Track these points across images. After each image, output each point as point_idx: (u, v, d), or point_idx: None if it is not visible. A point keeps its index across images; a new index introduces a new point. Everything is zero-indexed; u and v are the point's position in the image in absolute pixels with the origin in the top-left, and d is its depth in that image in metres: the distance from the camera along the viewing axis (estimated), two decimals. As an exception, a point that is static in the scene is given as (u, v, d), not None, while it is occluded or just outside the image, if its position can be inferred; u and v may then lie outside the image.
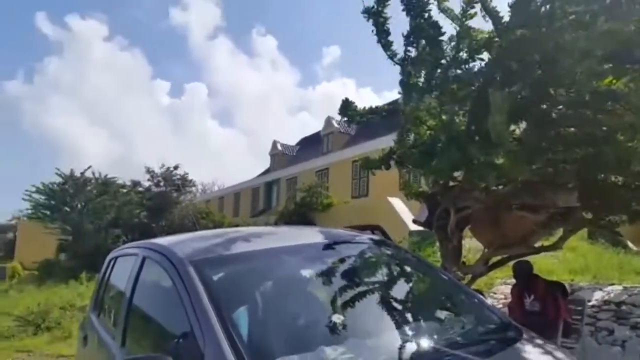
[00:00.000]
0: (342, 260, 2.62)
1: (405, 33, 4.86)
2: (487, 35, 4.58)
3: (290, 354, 1.83)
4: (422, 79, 4.98)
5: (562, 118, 4.35)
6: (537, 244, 5.57)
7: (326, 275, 2.44)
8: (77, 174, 24.00)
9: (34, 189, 23.44)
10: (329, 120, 28.82)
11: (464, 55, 4.77)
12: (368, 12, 4.91)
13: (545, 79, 3.88)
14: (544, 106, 4.36)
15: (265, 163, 36.16)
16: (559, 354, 2.10)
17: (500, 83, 4.20)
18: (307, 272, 2.44)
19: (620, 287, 6.38)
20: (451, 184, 5.40)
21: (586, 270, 8.14)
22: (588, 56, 3.38)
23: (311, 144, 31.79)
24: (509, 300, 5.85)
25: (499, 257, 5.77)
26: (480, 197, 5.19)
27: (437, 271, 2.91)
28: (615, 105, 3.85)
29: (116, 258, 3.49)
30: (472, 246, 8.29)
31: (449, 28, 4.92)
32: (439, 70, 4.87)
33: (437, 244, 8.53)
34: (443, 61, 4.79)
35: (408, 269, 2.86)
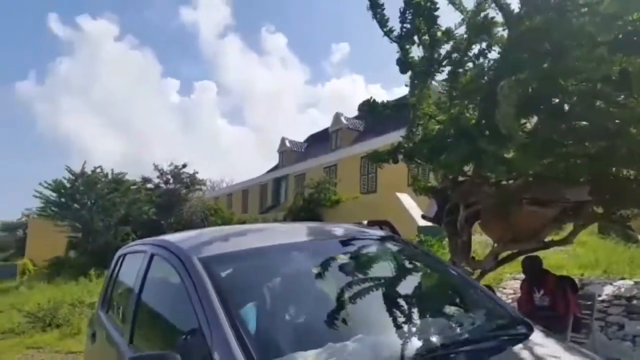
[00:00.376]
0: (350, 256, 2.60)
1: (401, 8, 4.82)
2: (500, 28, 4.53)
3: (298, 350, 1.81)
4: (420, 56, 4.93)
5: (573, 111, 4.29)
6: (547, 239, 5.52)
7: (334, 271, 2.42)
8: (88, 171, 24.13)
9: (44, 186, 23.62)
10: (337, 117, 28.78)
11: (476, 50, 4.72)
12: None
13: (554, 69, 3.83)
14: (556, 100, 4.31)
15: (274, 160, 36.22)
16: (570, 349, 2.07)
17: (510, 75, 4.15)
18: (315, 268, 2.42)
19: (631, 282, 6.31)
20: (460, 178, 5.35)
21: (596, 265, 8.07)
22: (596, 43, 3.32)
23: (320, 141, 31.78)
24: (518, 295, 5.81)
25: (508, 252, 5.73)
26: (490, 191, 5.15)
27: (446, 266, 2.88)
28: (629, 98, 3.79)
29: (125, 255, 3.50)
30: (481, 241, 8.25)
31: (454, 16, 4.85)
32: (440, 51, 4.82)
33: (446, 239, 8.51)
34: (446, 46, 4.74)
35: (417, 264, 2.83)
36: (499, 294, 6.46)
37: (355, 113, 30.12)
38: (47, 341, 8.24)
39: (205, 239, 2.76)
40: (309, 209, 19.42)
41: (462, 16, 4.76)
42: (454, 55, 4.79)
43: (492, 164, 4.25)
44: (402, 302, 2.31)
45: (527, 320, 2.23)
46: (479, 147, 4.24)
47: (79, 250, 24.25)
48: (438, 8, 4.69)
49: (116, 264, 3.59)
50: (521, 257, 5.69)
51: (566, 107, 4.32)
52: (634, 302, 5.58)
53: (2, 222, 44.18)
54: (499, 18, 4.42)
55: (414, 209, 14.58)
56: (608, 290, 6.11)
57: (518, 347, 1.95)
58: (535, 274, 5.18)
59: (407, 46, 4.89)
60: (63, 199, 23.66)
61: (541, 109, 4.32)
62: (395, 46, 4.98)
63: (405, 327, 2.08)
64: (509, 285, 8.24)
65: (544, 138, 4.31)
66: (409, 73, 4.98)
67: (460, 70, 4.83)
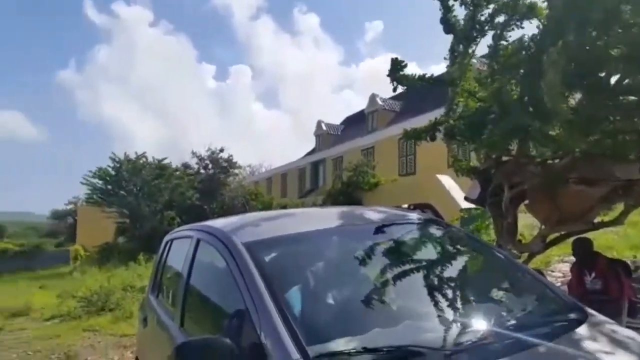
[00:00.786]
0: (394, 241, 2.58)
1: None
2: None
3: (345, 335, 1.82)
4: (465, 21, 4.78)
5: (619, 85, 4.09)
6: (597, 220, 5.31)
7: (377, 256, 2.41)
8: (132, 157, 24.80)
9: (91, 174, 24.47)
10: (373, 98, 28.46)
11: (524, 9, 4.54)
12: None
13: (602, 37, 3.64)
14: (602, 74, 4.11)
15: (311, 143, 36.28)
16: (629, 336, 1.99)
17: (554, 43, 3.96)
18: (358, 253, 2.41)
19: (687, 264, 6.03)
20: (504, 158, 5.20)
21: (649, 246, 7.75)
22: None
23: (356, 123, 31.58)
24: (568, 278, 5.64)
25: (556, 234, 5.56)
26: (535, 171, 4.98)
27: (493, 250, 2.82)
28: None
29: (172, 240, 3.59)
30: (527, 223, 8.04)
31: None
32: (483, 13, 4.66)
33: (491, 221, 8.32)
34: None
35: (462, 248, 2.78)
36: (547, 278, 6.30)
37: (392, 93, 29.71)
38: (101, 324, 8.63)
39: (249, 224, 2.80)
40: (348, 193, 19.40)
41: None
42: (497, 19, 4.62)
43: (540, 141, 4.11)
44: (448, 287, 2.28)
45: (581, 305, 2.16)
46: (523, 123, 4.09)
47: (127, 235, 25.13)
48: None
49: (164, 249, 3.69)
50: (570, 239, 5.51)
51: (612, 81, 4.12)
52: (691, 284, 5.33)
53: (53, 209, 46.19)
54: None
55: (455, 190, 14.33)
56: (663, 272, 5.86)
57: (572, 334, 1.89)
58: (585, 256, 5.01)
59: (451, 3, 4.75)
60: (109, 186, 24.47)
61: (585, 84, 4.13)
62: (432, 18, 4.85)
63: (453, 314, 2.05)
64: (557, 268, 8.04)
65: (589, 114, 4.12)
66: (450, 44, 4.84)
67: (502, 42, 4.67)
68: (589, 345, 1.83)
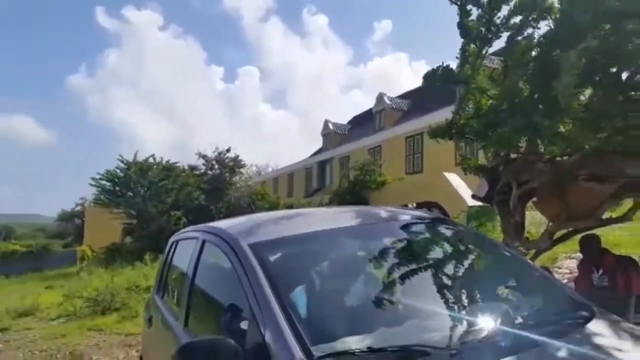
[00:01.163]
0: (399, 240, 2.56)
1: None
2: None
3: (349, 335, 1.80)
4: (480, 23, 4.75)
5: (631, 80, 4.04)
6: (605, 216, 5.26)
7: (384, 256, 2.39)
8: (140, 159, 24.93)
9: (99, 176, 24.62)
10: (380, 97, 28.41)
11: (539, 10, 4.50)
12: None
13: (617, 33, 3.59)
14: (614, 69, 4.06)
15: (318, 143, 36.27)
16: (637, 333, 1.96)
17: (565, 44, 3.92)
18: (364, 253, 2.40)
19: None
20: (512, 155, 5.16)
21: (658, 243, 7.68)
22: None
23: (363, 122, 31.54)
24: (574, 275, 5.59)
25: (564, 231, 5.51)
26: (544, 168, 4.94)
27: (500, 248, 2.79)
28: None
29: (177, 241, 3.59)
30: (534, 220, 7.98)
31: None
32: (499, 15, 4.63)
33: (497, 219, 8.27)
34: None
35: (469, 246, 2.75)
36: (554, 274, 6.25)
37: (399, 92, 29.63)
38: (107, 324, 8.67)
39: (254, 225, 2.79)
40: (355, 192, 19.37)
41: None
42: (512, 20, 4.59)
43: (549, 139, 4.07)
44: (454, 285, 2.26)
45: (588, 302, 2.13)
46: (533, 120, 4.05)
47: (134, 235, 25.25)
48: None
49: (170, 250, 3.69)
50: (578, 236, 5.47)
51: (623, 76, 4.07)
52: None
53: (60, 211, 46.51)
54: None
55: (462, 188, 14.25)
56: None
57: (580, 331, 1.86)
58: (593, 253, 4.97)
59: (469, 7, 4.73)
60: (117, 188, 24.62)
61: (596, 80, 4.08)
62: (440, 16, 4.85)
63: (459, 312, 2.02)
64: (564, 264, 7.97)
65: (600, 110, 4.07)
66: (462, 42, 4.82)
67: (518, 38, 4.63)
68: (597, 342, 1.80)
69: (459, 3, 4.75)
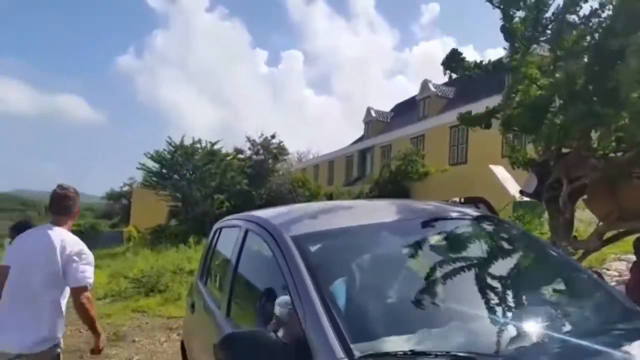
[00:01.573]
0: (444, 238, 2.50)
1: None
2: None
3: (390, 334, 1.77)
4: (526, 24, 4.58)
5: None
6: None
7: (427, 254, 2.35)
8: (187, 143, 25.45)
9: (148, 156, 25.30)
10: (425, 84, 27.90)
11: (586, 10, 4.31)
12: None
13: None
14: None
15: (360, 129, 36.06)
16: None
17: (624, 32, 3.72)
18: (406, 250, 2.35)
19: None
20: (564, 150, 4.97)
21: None
22: None
23: (406, 110, 31.10)
24: (624, 277, 5.34)
25: (614, 232, 5.28)
26: (597, 164, 4.73)
27: (550, 249, 2.68)
28: None
29: (221, 229, 3.65)
30: (582, 218, 7.68)
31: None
32: (546, 15, 4.44)
33: (545, 216, 8.00)
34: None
35: (516, 246, 2.66)
36: (605, 278, 6.00)
37: (445, 79, 28.98)
38: (150, 306, 8.93)
39: (296, 217, 2.79)
40: (396, 182, 19.17)
41: None
42: (561, 17, 4.40)
43: (613, 129, 3.89)
44: (500, 288, 2.19)
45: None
46: (594, 109, 3.87)
47: (178, 218, 25.92)
48: None
49: (213, 237, 3.76)
50: (629, 237, 5.21)
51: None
52: None
53: (108, 190, 48.05)
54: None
55: (509, 182, 13.86)
56: None
57: (635, 343, 1.77)
58: (648, 256, 4.72)
59: (512, 11, 4.57)
60: (164, 170, 25.26)
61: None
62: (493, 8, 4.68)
63: (505, 316, 1.96)
64: (613, 266, 7.65)
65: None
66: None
67: (565, 29, 4.44)
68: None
69: (502, 7, 4.58)
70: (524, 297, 2.19)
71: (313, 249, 2.22)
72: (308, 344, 1.71)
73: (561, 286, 2.35)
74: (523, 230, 3.24)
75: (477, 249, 2.50)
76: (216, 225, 3.86)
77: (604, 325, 1.95)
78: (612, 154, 4.83)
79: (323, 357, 1.62)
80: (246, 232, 2.79)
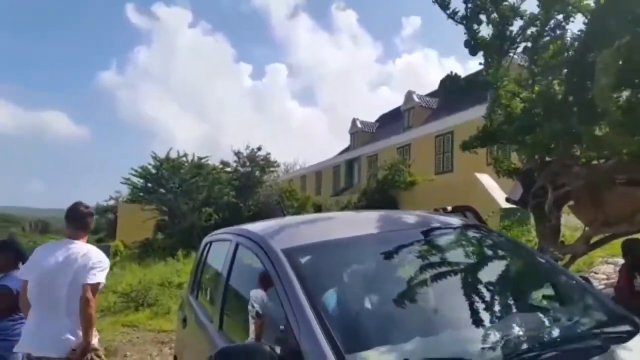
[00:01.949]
0: (433, 247, 2.54)
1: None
2: None
3: (384, 344, 1.79)
4: (490, 35, 4.68)
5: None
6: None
7: (417, 263, 2.37)
8: (172, 156, 25.30)
9: (133, 172, 25.10)
10: (409, 95, 28.18)
11: (555, 20, 4.42)
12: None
13: None
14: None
15: (346, 141, 36.20)
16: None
17: (602, 44, 3.82)
18: (397, 260, 2.38)
19: None
20: (548, 159, 5.06)
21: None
22: None
23: (391, 120, 31.34)
24: (612, 281, 5.43)
25: (601, 236, 5.37)
26: (580, 172, 4.83)
27: (537, 256, 2.73)
28: None
29: (211, 242, 3.65)
30: (569, 224, 7.80)
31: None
32: (511, 28, 4.56)
33: (531, 223, 8.10)
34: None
35: (505, 254, 2.71)
36: (592, 282, 6.09)
37: (428, 90, 29.31)
38: (140, 320, 8.81)
39: (286, 230, 2.80)
40: (383, 191, 19.23)
41: None
42: (530, 30, 4.51)
43: (588, 144, 3.98)
44: (490, 295, 2.22)
45: (632, 316, 2.06)
46: (571, 125, 3.96)
47: (165, 232, 25.67)
48: None
49: (203, 250, 3.75)
50: (615, 241, 5.32)
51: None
52: None
53: (95, 205, 47.39)
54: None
55: (495, 190, 14.00)
56: None
57: (625, 346, 1.80)
58: (636, 258, 4.82)
59: (475, 26, 4.66)
60: (149, 184, 25.06)
61: (635, 82, 3.95)
62: (445, 7, 4.76)
63: (495, 323, 1.99)
64: (601, 269, 7.76)
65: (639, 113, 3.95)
66: (482, 52, 4.76)
67: (539, 45, 4.55)
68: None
69: (464, 23, 4.68)
70: (513, 304, 2.23)
71: (304, 261, 2.24)
72: (302, 355, 1.72)
73: (550, 292, 2.39)
74: (510, 238, 3.29)
75: (465, 258, 2.54)
76: (206, 239, 3.85)
77: (592, 330, 1.99)
78: (595, 162, 4.93)
79: None
80: (237, 245, 2.79)
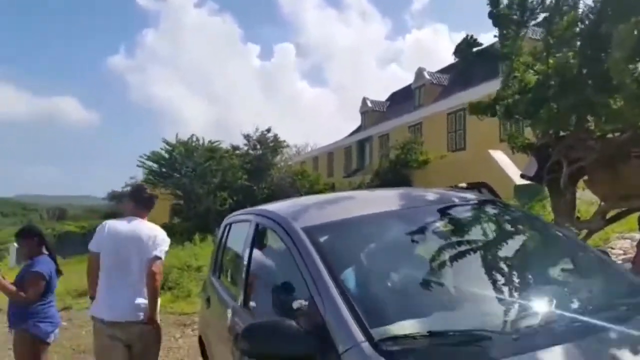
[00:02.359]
0: (450, 223, 2.57)
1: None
2: None
3: (405, 319, 1.84)
4: (512, 9, 4.64)
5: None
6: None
7: (436, 239, 2.41)
8: (183, 140, 25.41)
9: (145, 157, 25.31)
10: (420, 72, 27.88)
11: None
12: None
13: None
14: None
15: (356, 121, 36.05)
16: None
17: (613, 19, 3.77)
18: (416, 236, 2.42)
19: None
20: (562, 133, 5.02)
21: None
22: None
23: (402, 99, 31.09)
24: (628, 255, 5.42)
25: (617, 210, 5.34)
26: (595, 146, 4.79)
27: (555, 230, 2.75)
28: None
29: (231, 224, 3.72)
30: (585, 199, 7.76)
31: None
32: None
33: (547, 198, 8.06)
34: None
35: (522, 228, 2.73)
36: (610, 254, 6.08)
37: (439, 67, 28.97)
38: (162, 303, 8.85)
39: (305, 209, 2.84)
40: (396, 171, 19.21)
41: None
42: (550, 3, 4.45)
43: (605, 116, 3.94)
44: (509, 269, 2.25)
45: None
46: (586, 97, 3.93)
47: (181, 216, 25.93)
48: None
49: (223, 232, 3.83)
50: (631, 216, 5.28)
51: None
52: None
53: (110, 191, 47.91)
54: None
55: (509, 166, 13.92)
56: None
57: None
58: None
59: None
60: (163, 169, 25.27)
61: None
62: None
63: (516, 296, 2.03)
64: (617, 245, 7.73)
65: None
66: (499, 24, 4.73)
67: (556, 16, 4.49)
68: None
69: None
70: (533, 277, 2.26)
71: (325, 239, 2.29)
72: (328, 330, 1.78)
73: (569, 265, 2.42)
74: (527, 212, 3.31)
75: (484, 233, 2.57)
76: (225, 221, 3.92)
77: (613, 302, 2.01)
78: (610, 135, 4.89)
79: (345, 343, 1.68)
80: (257, 225, 2.85)
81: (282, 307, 2.28)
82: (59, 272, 4.13)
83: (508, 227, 2.78)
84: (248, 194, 23.63)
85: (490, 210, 2.82)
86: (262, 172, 25.80)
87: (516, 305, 1.96)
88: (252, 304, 2.67)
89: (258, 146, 26.98)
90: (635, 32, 3.44)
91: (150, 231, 3.65)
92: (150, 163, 25.28)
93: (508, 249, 2.44)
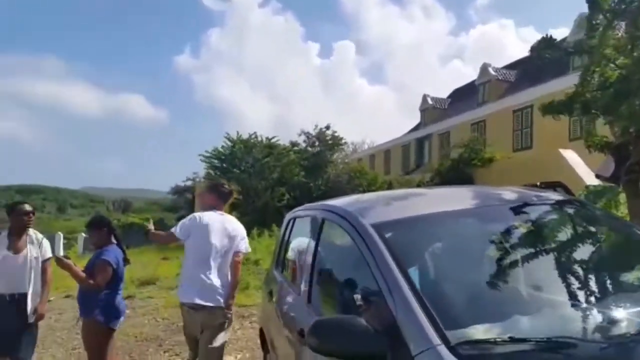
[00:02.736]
0: (529, 223, 2.43)
1: None
2: None
3: (482, 322, 1.74)
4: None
5: None
6: None
7: (513, 239, 2.29)
8: (244, 137, 26.03)
9: (208, 153, 26.12)
10: (484, 68, 26.96)
11: None
12: None
13: None
14: None
15: (415, 119, 35.46)
16: None
17: None
18: (492, 236, 2.31)
19: None
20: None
21: None
22: None
23: (464, 96, 30.23)
24: None
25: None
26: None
27: (638, 231, 2.54)
28: None
29: (294, 219, 3.72)
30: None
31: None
32: None
33: (618, 199, 7.59)
34: None
35: (604, 230, 2.56)
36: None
37: (505, 62, 27.93)
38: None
39: (372, 205, 2.79)
40: (458, 169, 18.68)
41: None
42: None
43: None
44: (592, 273, 2.11)
45: None
46: None
47: (240, 210, 26.52)
48: None
49: (287, 227, 3.84)
50: None
51: None
52: None
53: (173, 186, 49.73)
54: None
55: (580, 166, 13.20)
56: None
57: None
58: None
59: None
60: (224, 165, 25.96)
61: None
62: None
63: (599, 302, 1.89)
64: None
65: None
66: (587, 13, 4.47)
67: None
68: None
69: None
70: (617, 283, 2.10)
71: (395, 236, 2.21)
72: (399, 329, 1.72)
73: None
74: (608, 212, 3.10)
75: (564, 234, 2.42)
76: (289, 215, 3.94)
77: None
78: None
79: (418, 344, 1.61)
80: (322, 221, 2.83)
81: (348, 303, 2.25)
82: (126, 261, 4.28)
83: (589, 227, 2.60)
84: (305, 191, 23.79)
85: (570, 210, 2.66)
86: (319, 169, 25.90)
87: (600, 312, 1.82)
88: (316, 299, 2.64)
89: (317, 143, 27.12)
90: None
91: (238, 225, 4.05)
92: (212, 159, 26.04)
93: (590, 251, 2.29)
